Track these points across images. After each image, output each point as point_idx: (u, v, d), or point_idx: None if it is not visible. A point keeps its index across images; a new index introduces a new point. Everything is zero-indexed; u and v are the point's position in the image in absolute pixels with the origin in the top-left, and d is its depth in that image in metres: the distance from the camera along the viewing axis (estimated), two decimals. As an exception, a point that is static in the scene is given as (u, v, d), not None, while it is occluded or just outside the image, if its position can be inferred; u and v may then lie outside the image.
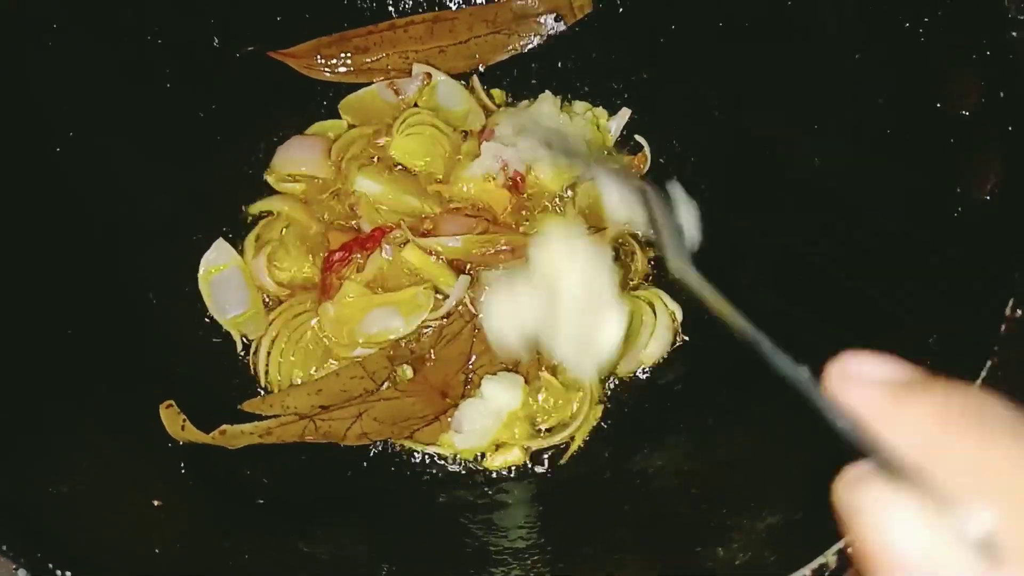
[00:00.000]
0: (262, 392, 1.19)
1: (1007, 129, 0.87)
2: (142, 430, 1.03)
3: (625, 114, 1.39)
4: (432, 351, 1.16)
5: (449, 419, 1.15)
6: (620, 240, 1.28)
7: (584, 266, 1.00)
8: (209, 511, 1.00)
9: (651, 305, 1.21)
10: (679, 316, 1.23)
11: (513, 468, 1.14)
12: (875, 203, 1.02)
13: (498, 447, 1.16)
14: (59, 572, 0.74)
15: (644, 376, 1.21)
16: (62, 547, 0.78)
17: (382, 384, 1.13)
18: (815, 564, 0.71)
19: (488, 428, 1.14)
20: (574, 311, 1.00)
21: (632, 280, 1.27)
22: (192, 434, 1.04)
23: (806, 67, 1.14)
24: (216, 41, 1.30)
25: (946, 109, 0.94)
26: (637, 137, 1.38)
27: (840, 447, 0.85)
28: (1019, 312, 0.78)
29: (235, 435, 1.06)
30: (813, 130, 1.12)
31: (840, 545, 0.71)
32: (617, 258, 1.27)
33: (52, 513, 0.83)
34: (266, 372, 1.19)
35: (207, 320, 1.22)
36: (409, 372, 1.18)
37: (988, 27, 0.90)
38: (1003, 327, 0.77)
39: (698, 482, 1.01)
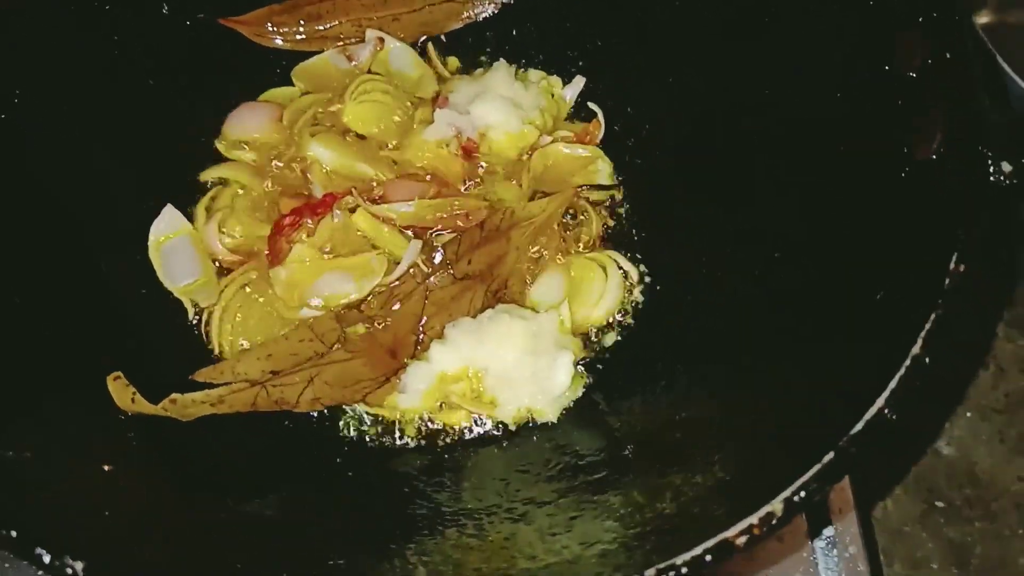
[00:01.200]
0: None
1: (952, 90, 0.89)
2: (91, 397, 1.02)
3: (580, 82, 1.38)
4: (382, 311, 1.15)
5: (399, 380, 1.14)
6: (574, 203, 1.28)
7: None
8: (161, 479, 0.99)
9: (603, 267, 1.22)
10: (634, 277, 1.23)
11: (464, 430, 1.14)
12: (824, 161, 1.03)
13: (442, 406, 1.15)
14: (3, 531, 0.74)
15: (597, 340, 1.22)
16: (8, 510, 0.77)
17: (332, 347, 1.12)
18: (762, 512, 0.72)
19: (432, 390, 1.14)
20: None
21: (587, 241, 1.27)
22: (142, 406, 1.02)
23: (759, 31, 1.14)
24: (166, 8, 1.28)
25: (894, 71, 0.95)
26: (590, 104, 1.37)
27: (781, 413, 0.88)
28: (962, 267, 0.79)
29: (186, 404, 1.05)
30: (764, 94, 1.13)
31: (786, 494, 0.72)
32: (572, 220, 1.28)
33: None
34: (219, 340, 1.18)
35: (157, 289, 1.20)
36: (361, 331, 1.17)
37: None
38: (947, 281, 0.79)
39: (650, 442, 1.02)
